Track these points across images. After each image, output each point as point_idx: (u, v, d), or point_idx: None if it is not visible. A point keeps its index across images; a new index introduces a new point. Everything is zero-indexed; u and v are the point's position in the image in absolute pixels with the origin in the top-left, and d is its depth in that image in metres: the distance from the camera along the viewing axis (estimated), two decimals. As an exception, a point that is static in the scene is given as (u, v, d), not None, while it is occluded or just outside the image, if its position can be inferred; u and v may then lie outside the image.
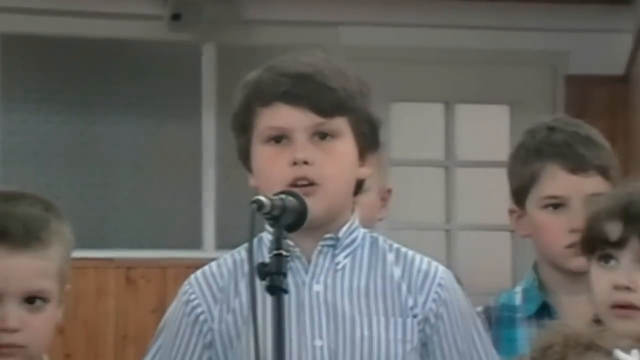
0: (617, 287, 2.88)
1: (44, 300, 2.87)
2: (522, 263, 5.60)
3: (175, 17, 6.43)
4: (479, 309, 3.46)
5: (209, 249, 6.93)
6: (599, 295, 2.91)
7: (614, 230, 2.90)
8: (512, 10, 6.27)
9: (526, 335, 3.28)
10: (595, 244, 2.94)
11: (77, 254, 6.96)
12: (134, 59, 6.90)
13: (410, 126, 6.86)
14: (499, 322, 3.39)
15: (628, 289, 2.87)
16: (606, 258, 2.92)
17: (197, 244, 6.94)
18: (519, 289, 3.47)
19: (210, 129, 6.69)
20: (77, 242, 7.16)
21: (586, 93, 6.09)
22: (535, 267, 3.44)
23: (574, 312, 3.17)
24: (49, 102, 7.00)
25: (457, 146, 6.84)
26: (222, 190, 6.65)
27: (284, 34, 6.47)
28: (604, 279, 2.91)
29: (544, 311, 3.34)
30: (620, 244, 2.89)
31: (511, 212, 3.43)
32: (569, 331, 2.69)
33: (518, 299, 3.44)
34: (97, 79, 6.95)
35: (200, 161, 6.80)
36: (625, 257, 2.89)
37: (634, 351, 2.58)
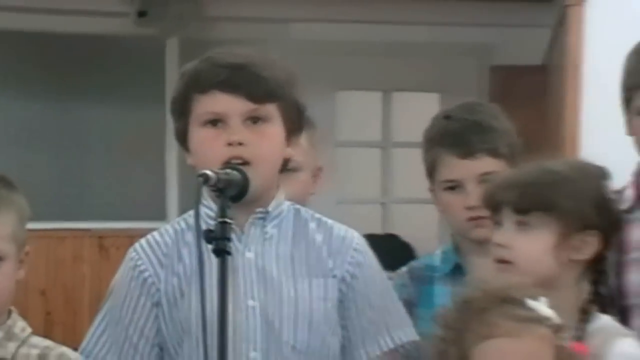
0: (498, 245, 2.93)
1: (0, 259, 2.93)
2: (447, 232, 5.63)
3: (142, 14, 6.42)
4: (404, 268, 3.50)
5: (172, 220, 6.91)
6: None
7: (492, 199, 2.97)
8: (443, 7, 6.28)
9: (442, 291, 3.32)
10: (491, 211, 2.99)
11: (57, 225, 6.95)
12: (104, 52, 6.90)
13: (353, 112, 6.87)
14: (420, 279, 3.43)
15: (503, 246, 2.91)
16: (497, 224, 2.97)
17: (161, 215, 6.94)
18: (438, 252, 3.50)
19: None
20: (56, 215, 7.13)
21: (508, 82, 6.10)
22: (452, 235, 3.49)
23: (481, 271, 3.19)
24: (28, 91, 6.99)
25: (393, 129, 6.87)
26: (183, 168, 6.63)
27: (240, 29, 6.47)
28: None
29: (457, 271, 3.38)
30: (497, 210, 2.95)
31: (430, 190, 3.47)
32: (487, 287, 2.72)
33: (437, 261, 3.47)
34: (71, 71, 6.95)
35: (164, 143, 6.79)
36: (507, 222, 2.94)
37: (542, 299, 2.63)
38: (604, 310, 3.07)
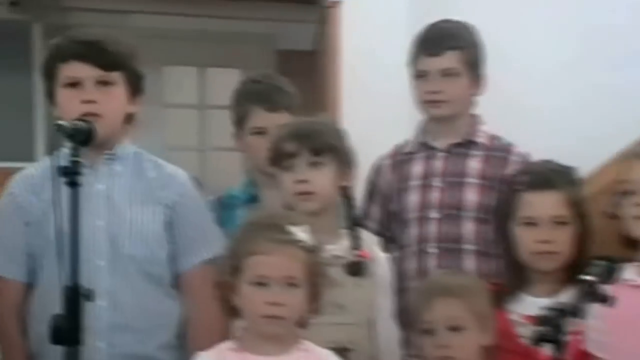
0: (296, 182, 2.91)
1: None
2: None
3: (14, 3, 6.20)
4: (213, 197, 3.47)
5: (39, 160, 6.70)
6: (287, 187, 2.93)
7: (290, 146, 2.93)
8: (241, 4, 6.20)
9: (241, 215, 3.28)
10: (280, 158, 2.96)
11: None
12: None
13: (177, 81, 6.80)
14: (224, 206, 3.40)
15: (305, 182, 2.90)
16: (287, 167, 2.94)
17: (29, 157, 6.70)
18: (240, 185, 3.47)
19: (39, 85, 6.46)
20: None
21: (288, 62, 6.08)
22: (248, 171, 3.47)
23: (271, 201, 3.19)
24: None
25: (207, 95, 6.82)
26: (49, 118, 6.43)
27: (92, 17, 6.27)
28: (288, 178, 2.93)
29: (253, 200, 3.36)
30: (295, 155, 2.91)
31: (235, 136, 3.43)
32: (262, 214, 2.70)
33: (238, 191, 3.45)
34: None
35: (32, 102, 6.54)
36: (300, 163, 2.92)
37: (304, 227, 2.60)
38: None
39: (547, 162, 2.99)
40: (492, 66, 3.31)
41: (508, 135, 3.32)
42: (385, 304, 2.91)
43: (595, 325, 2.65)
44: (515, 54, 4.05)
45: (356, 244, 2.89)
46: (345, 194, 2.98)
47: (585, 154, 3.29)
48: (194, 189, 3.02)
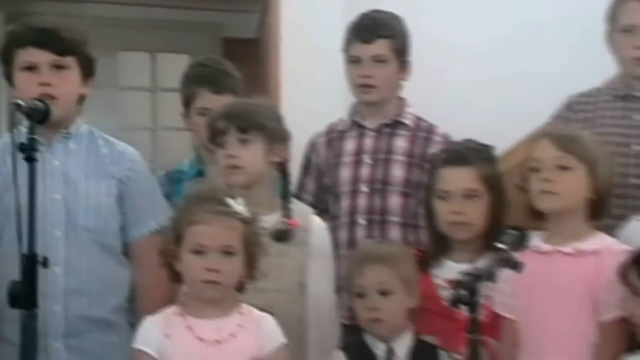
0: (226, 157, 2.91)
1: None
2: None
3: (-20, -6, 6.13)
4: (163, 172, 3.47)
5: None
6: (219, 162, 2.93)
7: (221, 124, 2.94)
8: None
9: (188, 189, 3.28)
10: (214, 135, 2.96)
11: None
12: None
13: (131, 66, 6.74)
14: (172, 180, 3.40)
15: (234, 157, 2.90)
16: (219, 143, 2.94)
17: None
18: (188, 161, 3.47)
19: None
20: None
21: (235, 50, 6.05)
22: (195, 147, 3.46)
23: (215, 176, 3.19)
24: None
25: (158, 78, 6.77)
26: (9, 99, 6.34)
27: (50, 6, 6.18)
28: (220, 154, 2.92)
29: (200, 174, 3.37)
30: (224, 132, 2.92)
31: (184, 116, 3.43)
32: (203, 187, 2.71)
33: (186, 167, 3.45)
34: None
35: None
36: (229, 140, 2.93)
37: (239, 200, 2.61)
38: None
39: (467, 141, 3.02)
40: (420, 47, 3.35)
41: (433, 111, 3.36)
42: (319, 270, 2.92)
43: (503, 288, 2.71)
44: (440, 36, 4.11)
45: (286, 214, 2.91)
46: (281, 169, 2.99)
47: (504, 131, 3.38)
48: (144, 164, 3.01)
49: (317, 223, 3.00)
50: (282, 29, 4.29)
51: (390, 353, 2.72)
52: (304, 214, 3.00)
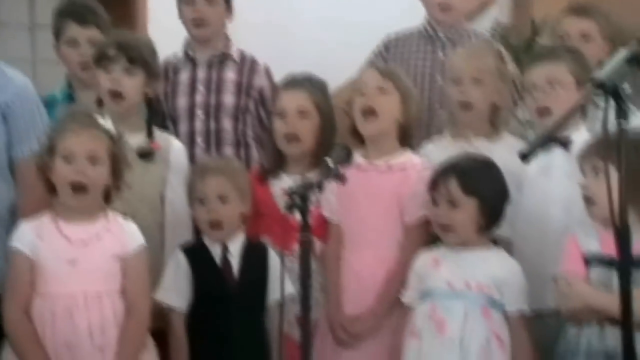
0: (111, 81, 2.84)
1: None
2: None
3: None
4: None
5: None
6: (102, 85, 2.85)
7: (112, 51, 2.85)
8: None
9: (60, 112, 3.11)
10: (101, 59, 2.88)
11: None
12: None
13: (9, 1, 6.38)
14: (46, 105, 3.23)
15: (118, 84, 2.83)
16: (105, 68, 2.86)
17: None
18: (58, 89, 3.29)
19: None
20: None
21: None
22: (67, 75, 3.29)
23: (84, 101, 3.09)
24: None
25: (38, 13, 6.41)
26: None
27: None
28: (104, 78, 2.85)
29: (70, 99, 3.23)
30: (114, 59, 2.84)
31: (54, 47, 3.27)
32: (77, 106, 2.65)
33: (58, 93, 3.29)
34: None
35: None
36: (116, 68, 2.85)
37: (107, 118, 2.57)
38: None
39: (303, 73, 3.01)
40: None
41: (271, 48, 3.33)
42: (177, 184, 2.88)
43: (330, 197, 2.78)
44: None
45: (150, 136, 2.89)
46: (150, 100, 2.95)
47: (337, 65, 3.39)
48: (31, 91, 2.86)
49: (177, 145, 2.98)
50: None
51: (225, 250, 2.72)
52: (165, 137, 2.98)
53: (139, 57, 2.84)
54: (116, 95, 2.83)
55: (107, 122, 2.55)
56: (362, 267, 2.76)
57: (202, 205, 2.75)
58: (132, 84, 2.83)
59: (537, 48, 2.89)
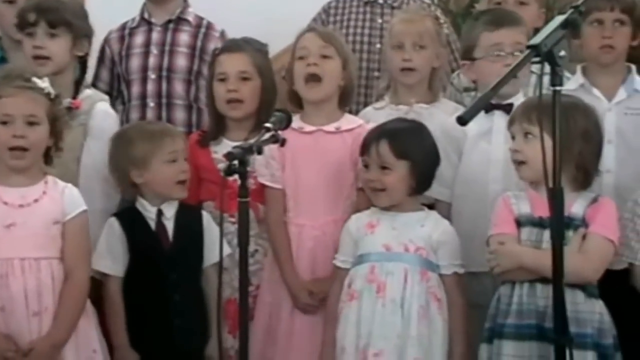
0: (34, 47, 2.80)
1: None
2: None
3: None
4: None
5: None
6: (27, 51, 2.81)
7: (31, 16, 2.80)
8: None
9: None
10: (23, 25, 2.82)
11: None
12: None
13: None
14: None
15: (41, 48, 2.79)
16: (28, 34, 2.82)
17: None
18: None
19: None
20: None
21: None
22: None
23: (17, 62, 3.03)
24: None
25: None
26: None
27: None
28: (28, 44, 2.81)
29: (3, 60, 3.17)
30: (34, 24, 2.82)
31: None
32: (13, 67, 2.60)
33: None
34: None
35: None
36: (39, 32, 2.80)
37: (45, 79, 2.51)
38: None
39: (244, 37, 2.99)
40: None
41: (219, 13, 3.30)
42: (96, 149, 2.81)
43: (271, 162, 2.76)
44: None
45: (74, 97, 2.83)
46: (81, 61, 2.90)
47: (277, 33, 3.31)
48: None
49: (100, 108, 2.89)
50: None
51: (160, 214, 2.71)
52: (92, 101, 2.89)
53: (61, 19, 2.78)
54: (42, 59, 2.78)
55: (44, 83, 2.49)
56: (319, 232, 2.72)
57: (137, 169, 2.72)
58: (57, 47, 2.79)
59: (496, 12, 2.84)
